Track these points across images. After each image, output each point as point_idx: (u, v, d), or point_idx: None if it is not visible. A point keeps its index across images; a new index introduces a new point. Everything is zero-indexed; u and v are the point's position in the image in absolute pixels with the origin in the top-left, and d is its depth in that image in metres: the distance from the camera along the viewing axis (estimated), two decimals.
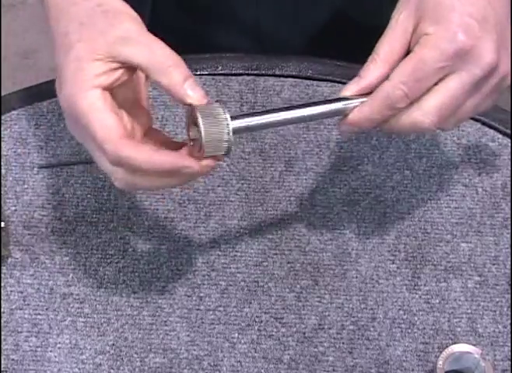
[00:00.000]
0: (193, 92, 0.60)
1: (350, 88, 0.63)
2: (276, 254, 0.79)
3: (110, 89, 0.61)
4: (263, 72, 0.89)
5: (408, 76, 0.61)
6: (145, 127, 0.65)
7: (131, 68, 0.62)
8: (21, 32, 2.18)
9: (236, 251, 0.79)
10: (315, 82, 0.89)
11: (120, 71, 0.61)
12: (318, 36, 0.98)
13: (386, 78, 0.62)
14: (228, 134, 0.60)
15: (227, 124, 0.60)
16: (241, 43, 0.98)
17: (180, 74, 0.60)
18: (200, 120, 0.59)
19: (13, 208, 0.81)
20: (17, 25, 2.19)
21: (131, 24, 0.62)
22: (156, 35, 0.62)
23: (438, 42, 0.61)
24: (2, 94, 0.89)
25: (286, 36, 0.98)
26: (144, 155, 0.59)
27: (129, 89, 0.64)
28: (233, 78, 0.89)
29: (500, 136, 0.86)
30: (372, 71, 0.62)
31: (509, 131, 0.86)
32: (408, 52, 0.63)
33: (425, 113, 0.63)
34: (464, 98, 0.63)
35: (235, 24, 0.98)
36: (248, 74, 0.89)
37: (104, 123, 0.60)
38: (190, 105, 0.60)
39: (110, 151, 0.59)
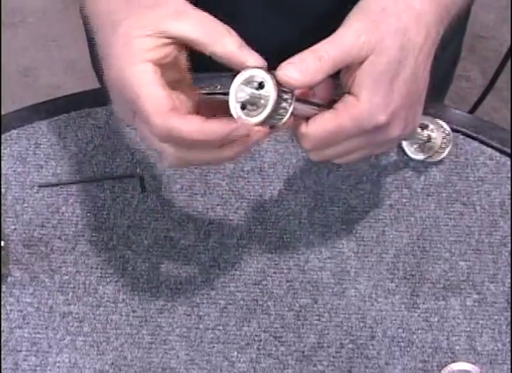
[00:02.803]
0: (251, 56, 0.60)
1: (291, 75, 0.60)
2: (275, 273, 0.79)
3: (161, 65, 0.61)
4: None
5: (322, 136, 0.63)
6: (191, 108, 0.65)
7: (180, 44, 0.61)
8: (21, 50, 2.19)
9: (236, 270, 0.79)
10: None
11: (171, 46, 0.61)
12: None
13: (312, 84, 0.61)
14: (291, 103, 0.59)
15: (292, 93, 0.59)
16: None
17: (234, 42, 0.60)
18: (271, 82, 0.58)
19: (13, 227, 0.81)
20: (17, 43, 2.20)
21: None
22: None
23: (362, 117, 0.62)
24: (2, 113, 0.90)
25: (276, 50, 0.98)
26: (193, 125, 0.58)
27: (176, 70, 0.64)
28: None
29: (498, 154, 0.87)
30: (313, 72, 0.60)
31: (507, 149, 0.87)
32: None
33: (313, 156, 0.67)
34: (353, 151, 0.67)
35: None
36: None
37: (153, 95, 0.59)
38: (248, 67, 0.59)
39: (159, 125, 0.58)
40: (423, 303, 0.78)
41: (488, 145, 0.87)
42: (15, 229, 0.81)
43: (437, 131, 0.82)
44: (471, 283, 0.79)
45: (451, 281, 0.79)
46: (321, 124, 0.62)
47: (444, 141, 0.83)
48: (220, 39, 0.60)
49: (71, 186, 0.84)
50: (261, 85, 0.59)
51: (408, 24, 0.63)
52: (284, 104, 0.59)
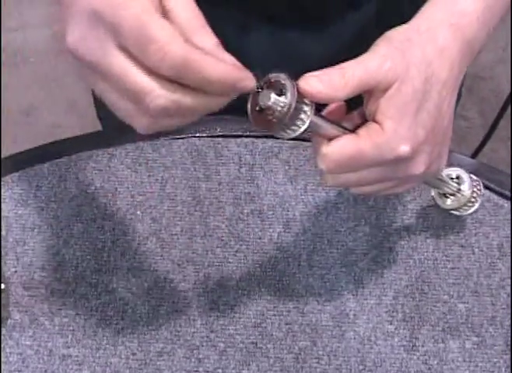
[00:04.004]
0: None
1: (313, 85, 0.59)
2: (274, 315, 0.79)
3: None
4: (261, 134, 0.91)
5: (340, 159, 0.62)
6: None
7: None
8: (22, 89, 2.21)
9: (235, 312, 0.79)
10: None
11: None
12: None
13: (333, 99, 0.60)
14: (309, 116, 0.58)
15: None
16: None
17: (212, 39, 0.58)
18: (291, 90, 0.57)
19: (13, 269, 0.82)
20: (18, 82, 2.22)
21: None
22: None
23: (385, 146, 0.61)
24: (3, 152, 0.90)
25: None
26: (211, 61, 0.54)
27: None
28: (232, 139, 0.91)
29: (496, 197, 0.87)
30: (336, 88, 0.59)
31: (504, 192, 0.87)
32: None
33: (328, 179, 0.65)
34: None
35: None
36: (247, 136, 0.91)
37: (165, 25, 0.54)
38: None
39: (175, 54, 0.53)
40: (422, 346, 0.78)
41: (486, 187, 0.88)
42: (15, 272, 0.81)
43: (469, 185, 0.81)
44: (470, 325, 0.79)
45: (450, 324, 0.79)
46: (341, 146, 0.61)
47: (474, 195, 0.81)
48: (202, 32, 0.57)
49: (72, 227, 0.84)
50: (282, 92, 0.58)
51: (432, 58, 0.63)
52: (302, 116, 0.58)
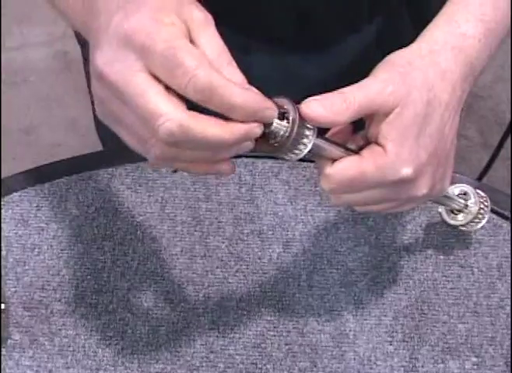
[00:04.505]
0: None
1: (315, 109, 0.59)
2: (274, 336, 0.79)
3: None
4: (261, 154, 0.91)
5: (343, 180, 0.62)
6: None
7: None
8: (22, 108, 2.21)
9: (235, 332, 0.79)
10: (312, 164, 0.90)
11: None
12: None
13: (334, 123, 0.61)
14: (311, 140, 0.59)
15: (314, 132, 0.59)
16: None
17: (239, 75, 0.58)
18: (293, 115, 0.58)
19: (13, 289, 0.82)
20: (18, 101, 2.23)
21: None
22: None
23: (387, 168, 0.62)
24: (4, 170, 0.90)
25: None
26: (235, 88, 0.55)
27: None
28: (232, 160, 0.91)
29: (495, 217, 0.88)
30: (337, 112, 0.60)
31: (503, 212, 0.88)
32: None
33: (331, 199, 0.66)
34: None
35: None
36: (247, 157, 0.91)
37: (193, 50, 0.55)
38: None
39: (201, 78, 0.54)
40: (422, 366, 0.78)
41: None
42: (15, 292, 0.82)
43: (475, 201, 0.81)
44: (469, 345, 0.79)
45: (450, 344, 0.79)
46: (344, 168, 0.62)
47: (481, 211, 0.82)
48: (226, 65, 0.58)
49: (72, 248, 0.84)
50: (284, 116, 0.58)
51: (433, 80, 0.63)
52: (304, 140, 0.59)
